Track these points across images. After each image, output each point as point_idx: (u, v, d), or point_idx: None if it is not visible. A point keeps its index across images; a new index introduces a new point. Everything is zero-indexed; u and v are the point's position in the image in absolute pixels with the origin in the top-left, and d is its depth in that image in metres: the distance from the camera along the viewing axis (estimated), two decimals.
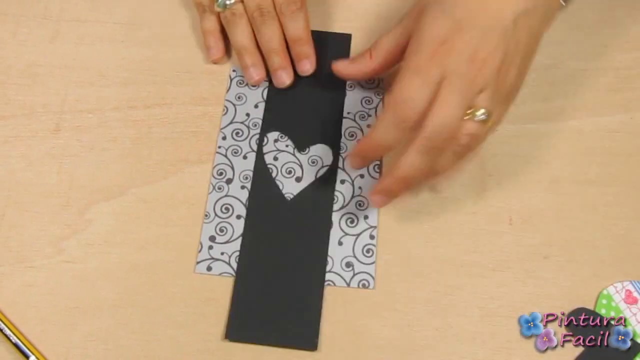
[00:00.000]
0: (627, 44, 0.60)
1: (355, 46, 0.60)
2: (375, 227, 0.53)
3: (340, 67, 0.55)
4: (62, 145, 0.55)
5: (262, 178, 0.54)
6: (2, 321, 0.49)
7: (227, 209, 0.53)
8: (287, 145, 0.55)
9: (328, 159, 0.55)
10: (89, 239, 0.52)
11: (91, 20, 0.61)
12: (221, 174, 0.54)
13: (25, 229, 0.52)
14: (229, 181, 0.54)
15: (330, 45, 0.59)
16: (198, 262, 0.51)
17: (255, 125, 0.56)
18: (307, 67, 0.57)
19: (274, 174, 0.54)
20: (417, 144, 0.46)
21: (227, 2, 0.56)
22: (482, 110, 0.47)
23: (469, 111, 0.47)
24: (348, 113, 0.57)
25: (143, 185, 0.54)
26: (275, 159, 0.55)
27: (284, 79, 0.57)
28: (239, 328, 0.49)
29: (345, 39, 0.60)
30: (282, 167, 0.55)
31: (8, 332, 0.48)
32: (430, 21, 0.47)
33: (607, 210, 0.53)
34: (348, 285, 0.51)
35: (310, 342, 0.49)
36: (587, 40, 0.59)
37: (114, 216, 0.53)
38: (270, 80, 0.58)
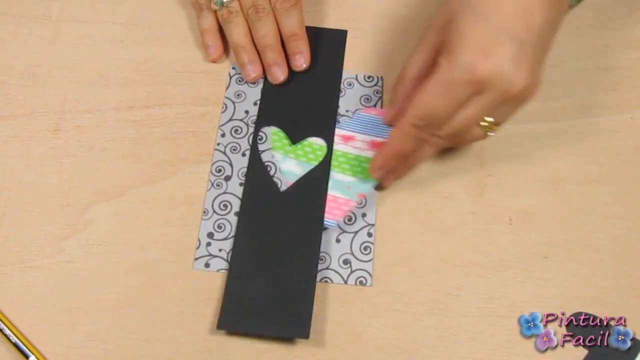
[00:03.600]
0: (627, 43, 0.60)
1: (350, 43, 0.60)
2: (373, 224, 0.53)
3: (389, 117, 0.54)
4: (62, 146, 0.55)
5: (257, 172, 0.54)
6: (2, 321, 0.49)
7: (225, 205, 0.53)
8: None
9: (322, 153, 0.55)
10: (89, 239, 0.52)
11: (91, 21, 0.61)
12: (220, 170, 0.55)
13: (25, 229, 0.52)
14: (227, 178, 0.54)
15: (326, 41, 0.60)
16: (196, 259, 0.51)
17: (254, 122, 0.56)
18: (301, 62, 0.57)
19: (272, 172, 0.54)
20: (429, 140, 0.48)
21: (224, 0, 0.57)
22: (492, 120, 0.47)
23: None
24: (347, 111, 0.57)
25: (143, 185, 0.54)
26: (273, 156, 0.55)
27: (278, 74, 0.57)
28: (231, 318, 0.49)
29: (341, 35, 0.60)
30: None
31: (8, 332, 0.48)
32: (469, 27, 0.45)
33: (607, 210, 0.53)
34: (345, 282, 0.51)
35: (302, 331, 0.49)
36: (588, 39, 0.59)
37: (114, 216, 0.53)
38: (266, 76, 0.58)
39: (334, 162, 0.54)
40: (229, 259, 0.51)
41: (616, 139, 0.56)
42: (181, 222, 0.53)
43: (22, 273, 0.51)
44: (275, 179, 0.54)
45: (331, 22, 0.61)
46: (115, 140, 0.56)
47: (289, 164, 0.54)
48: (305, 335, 0.49)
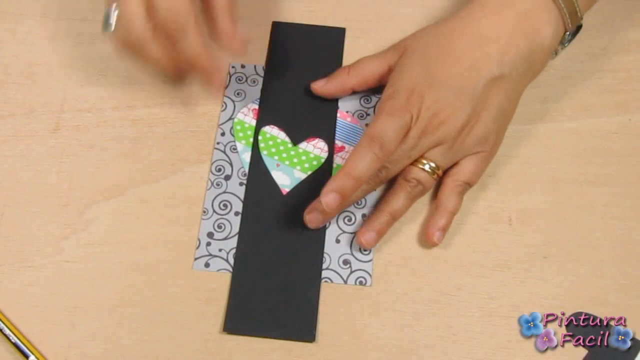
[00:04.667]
0: (625, 46, 0.60)
1: (348, 41, 0.60)
2: None
3: (318, 86, 0.56)
4: (61, 145, 0.55)
5: (258, 172, 0.54)
6: (2, 321, 0.48)
7: (225, 205, 0.53)
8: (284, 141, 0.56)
9: (318, 163, 0.55)
10: (89, 238, 0.52)
11: (90, 19, 0.61)
12: (219, 170, 0.54)
13: (25, 228, 0.52)
14: (227, 177, 0.54)
15: (325, 39, 0.60)
16: (196, 259, 0.51)
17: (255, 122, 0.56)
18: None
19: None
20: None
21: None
22: (433, 165, 0.51)
23: (420, 160, 0.51)
24: (347, 112, 0.57)
25: (143, 185, 0.54)
26: (266, 162, 0.55)
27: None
28: (237, 321, 0.49)
29: (339, 33, 0.60)
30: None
31: (8, 332, 0.48)
32: (409, 68, 0.52)
33: (606, 210, 0.54)
34: (345, 282, 0.51)
35: (308, 333, 0.49)
36: (586, 42, 0.60)
37: (113, 216, 0.53)
38: (266, 76, 0.58)
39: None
40: (229, 259, 0.51)
41: (614, 141, 0.56)
42: (181, 221, 0.53)
43: (22, 273, 0.51)
44: (274, 178, 0.54)
45: (331, 22, 0.61)
46: (115, 139, 0.56)
47: (283, 171, 0.54)
48: (312, 339, 0.49)
